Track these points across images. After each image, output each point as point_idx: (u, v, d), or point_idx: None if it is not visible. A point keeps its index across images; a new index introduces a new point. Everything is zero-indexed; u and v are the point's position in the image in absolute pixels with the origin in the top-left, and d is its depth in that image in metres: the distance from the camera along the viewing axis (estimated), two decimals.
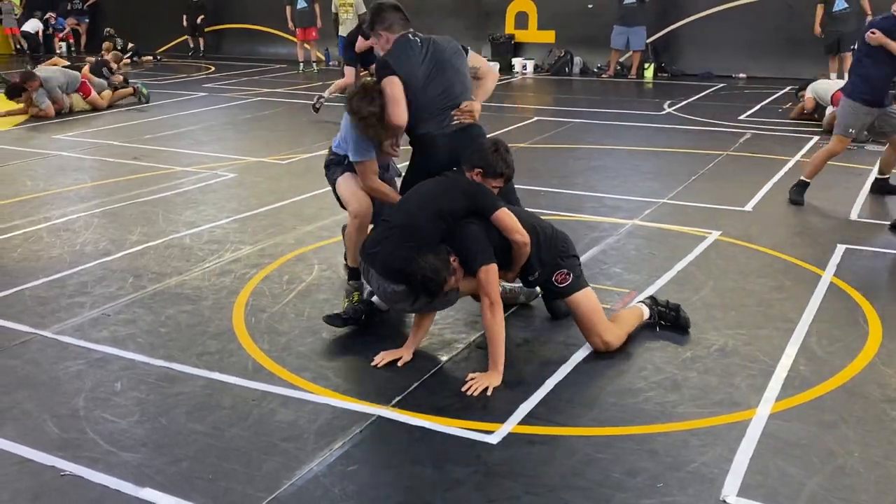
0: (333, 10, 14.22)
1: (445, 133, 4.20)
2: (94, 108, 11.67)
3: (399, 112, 4.06)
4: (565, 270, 4.05)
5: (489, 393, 3.63)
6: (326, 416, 3.47)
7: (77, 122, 11.12)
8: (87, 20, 20.31)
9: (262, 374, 3.85)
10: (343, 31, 13.51)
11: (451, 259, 3.79)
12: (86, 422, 3.45)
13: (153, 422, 3.45)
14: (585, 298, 4.04)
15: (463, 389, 3.66)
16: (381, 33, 4.31)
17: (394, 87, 4.07)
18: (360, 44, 9.33)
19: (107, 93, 12.02)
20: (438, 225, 3.86)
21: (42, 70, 11.62)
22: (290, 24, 15.94)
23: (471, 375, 3.74)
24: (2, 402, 3.62)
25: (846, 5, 12.22)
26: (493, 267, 3.82)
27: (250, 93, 13.49)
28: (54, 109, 11.25)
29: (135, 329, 4.38)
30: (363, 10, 13.75)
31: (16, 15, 20.25)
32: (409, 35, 4.31)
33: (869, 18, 11.28)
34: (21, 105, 11.32)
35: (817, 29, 12.54)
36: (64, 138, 9.91)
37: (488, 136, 4.34)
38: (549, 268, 4.06)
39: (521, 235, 3.91)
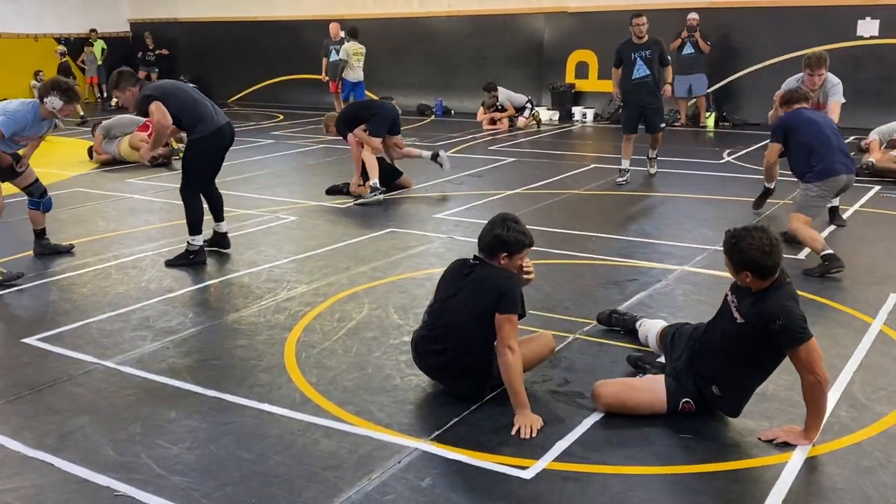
0: (344, 56, 15.17)
1: (219, 124, 6.70)
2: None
3: (169, 119, 6.30)
4: (691, 402, 3.82)
5: None
6: (367, 448, 3.59)
7: (149, 167, 11.58)
8: (156, 70, 21.10)
9: (309, 407, 4.00)
10: (352, 76, 15.23)
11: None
12: (140, 446, 3.63)
13: (203, 448, 3.62)
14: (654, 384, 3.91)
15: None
16: (129, 89, 6.41)
17: (160, 107, 6.24)
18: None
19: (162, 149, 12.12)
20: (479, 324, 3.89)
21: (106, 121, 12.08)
22: (324, 77, 16.28)
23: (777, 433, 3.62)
24: (65, 427, 3.84)
25: (647, 72, 9.63)
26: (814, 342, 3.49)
27: (315, 140, 13.89)
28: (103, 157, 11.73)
29: (191, 361, 4.59)
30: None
31: (98, 64, 21.19)
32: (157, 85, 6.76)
33: (667, 90, 10.12)
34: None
35: (616, 93, 10.34)
36: (136, 182, 10.37)
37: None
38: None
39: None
